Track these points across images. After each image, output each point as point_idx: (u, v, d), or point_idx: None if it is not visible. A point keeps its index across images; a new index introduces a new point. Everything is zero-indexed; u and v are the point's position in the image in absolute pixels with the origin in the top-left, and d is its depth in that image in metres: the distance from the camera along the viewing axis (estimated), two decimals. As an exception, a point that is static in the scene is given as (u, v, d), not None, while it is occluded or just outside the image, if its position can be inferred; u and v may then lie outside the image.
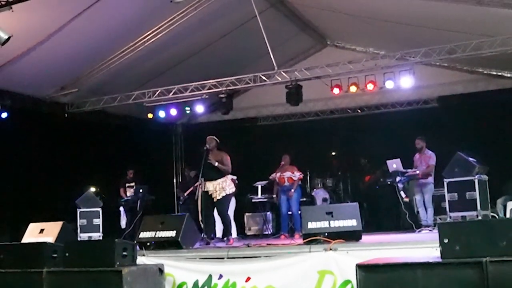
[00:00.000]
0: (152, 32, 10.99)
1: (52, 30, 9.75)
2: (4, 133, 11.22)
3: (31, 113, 11.97)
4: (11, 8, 8.10)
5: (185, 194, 12.66)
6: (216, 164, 9.49)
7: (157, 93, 12.26)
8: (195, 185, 12.67)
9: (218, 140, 9.78)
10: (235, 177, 11.61)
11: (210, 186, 9.51)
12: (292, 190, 11.33)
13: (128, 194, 12.93)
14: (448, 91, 13.64)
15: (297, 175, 11.36)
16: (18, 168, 11.47)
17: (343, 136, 14.48)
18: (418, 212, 11.00)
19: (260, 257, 7.34)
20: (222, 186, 9.51)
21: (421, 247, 6.46)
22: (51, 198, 11.51)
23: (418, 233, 10.05)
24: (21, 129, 11.63)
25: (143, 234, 8.39)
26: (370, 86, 11.95)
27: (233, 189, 9.88)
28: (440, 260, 5.17)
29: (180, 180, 15.61)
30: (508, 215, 10.85)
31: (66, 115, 12.75)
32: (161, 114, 13.35)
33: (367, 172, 12.89)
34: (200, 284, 7.32)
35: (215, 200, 9.51)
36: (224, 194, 9.53)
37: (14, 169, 11.38)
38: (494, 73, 13.08)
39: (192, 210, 12.40)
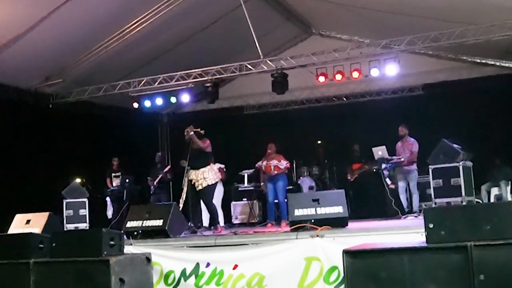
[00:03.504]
0: (138, 22, 10.90)
1: (36, 20, 9.66)
2: (-12, 124, 11.12)
3: (16, 104, 11.84)
4: (-6, -3, 8.05)
5: (155, 183, 12.53)
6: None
7: (143, 82, 12.20)
8: (165, 171, 12.71)
9: (197, 130, 9.63)
10: (223, 166, 11.63)
11: (193, 175, 9.51)
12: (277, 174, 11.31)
13: (114, 184, 12.89)
14: (433, 79, 13.73)
15: (284, 163, 11.32)
16: (2, 159, 11.38)
17: (329, 125, 14.49)
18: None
19: (247, 244, 7.39)
20: (204, 176, 9.47)
21: (406, 232, 6.53)
22: (37, 189, 11.41)
23: (403, 219, 10.14)
24: (5, 120, 11.51)
25: (130, 224, 8.39)
26: (355, 74, 12.02)
27: (217, 179, 9.82)
28: (425, 245, 5.24)
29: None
30: (492, 201, 11.01)
31: (50, 106, 12.65)
32: (147, 103, 13.24)
33: (357, 160, 12.88)
34: (187, 273, 7.36)
35: (197, 189, 9.50)
36: (206, 184, 9.47)
37: (-2, 160, 11.30)
38: (478, 60, 13.15)
39: (163, 200, 12.38)
